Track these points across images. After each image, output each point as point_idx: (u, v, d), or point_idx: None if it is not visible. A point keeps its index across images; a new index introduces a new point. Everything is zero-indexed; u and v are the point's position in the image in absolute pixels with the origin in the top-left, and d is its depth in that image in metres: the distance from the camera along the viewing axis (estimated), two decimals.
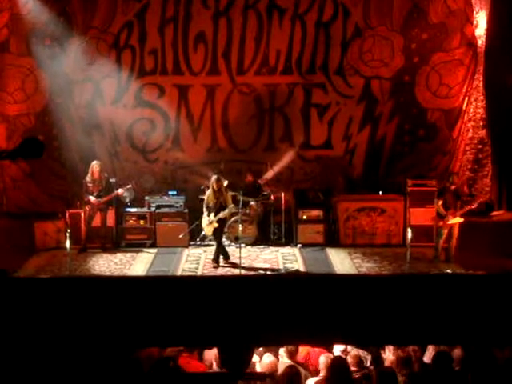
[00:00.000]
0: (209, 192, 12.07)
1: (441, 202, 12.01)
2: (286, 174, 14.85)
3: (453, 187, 12.09)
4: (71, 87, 14.42)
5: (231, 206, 12.04)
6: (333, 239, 13.36)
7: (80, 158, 14.38)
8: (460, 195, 12.29)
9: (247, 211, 13.20)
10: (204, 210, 12.13)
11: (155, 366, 4.50)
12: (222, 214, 11.96)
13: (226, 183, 13.64)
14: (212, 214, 11.92)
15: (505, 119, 14.18)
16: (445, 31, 14.27)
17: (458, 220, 12.00)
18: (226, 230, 13.23)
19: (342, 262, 12.24)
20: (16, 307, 3.93)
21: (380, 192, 13.65)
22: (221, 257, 12.15)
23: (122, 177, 14.08)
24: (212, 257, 12.20)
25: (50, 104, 14.51)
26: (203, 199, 12.43)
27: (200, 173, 14.42)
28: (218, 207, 11.95)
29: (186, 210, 13.38)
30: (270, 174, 14.37)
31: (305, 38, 14.51)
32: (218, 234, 12.10)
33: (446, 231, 12.04)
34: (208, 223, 11.98)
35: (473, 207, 12.16)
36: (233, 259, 12.28)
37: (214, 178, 12.04)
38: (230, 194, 12.43)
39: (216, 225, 11.96)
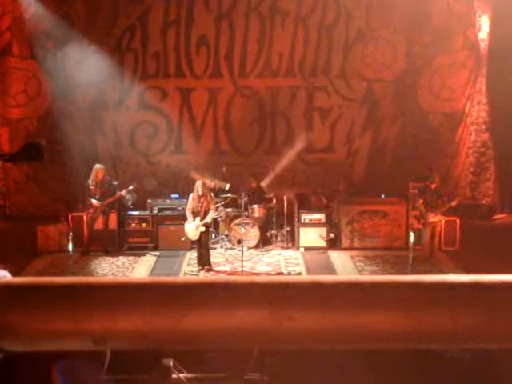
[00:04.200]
0: (193, 197, 12.00)
1: (421, 201, 12.10)
2: (288, 176, 14.84)
3: (433, 186, 12.14)
4: (74, 90, 14.43)
5: (211, 211, 12.00)
6: (335, 242, 13.34)
7: (82, 161, 14.39)
8: (440, 194, 12.31)
9: (250, 214, 13.19)
10: (188, 215, 12.05)
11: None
12: (208, 219, 11.95)
13: (227, 186, 13.65)
14: (198, 219, 11.88)
15: (507, 122, 14.17)
16: (447, 34, 14.27)
17: (439, 218, 12.07)
18: (228, 232, 13.22)
19: (344, 265, 12.22)
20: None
21: (382, 195, 13.63)
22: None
23: (124, 180, 14.08)
24: (204, 262, 12.05)
25: (53, 107, 14.53)
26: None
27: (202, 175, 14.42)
28: (203, 212, 11.91)
29: None
30: (271, 177, 14.38)
31: (307, 41, 14.51)
32: (204, 237, 12.03)
33: (429, 230, 12.08)
34: (195, 228, 11.92)
35: (453, 204, 12.23)
36: (235, 262, 12.27)
37: (198, 182, 11.98)
38: (214, 199, 12.39)
39: (203, 229, 11.93)
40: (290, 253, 13.04)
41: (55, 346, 2.58)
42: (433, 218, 12.01)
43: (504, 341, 2.61)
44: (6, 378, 2.60)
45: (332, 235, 13.35)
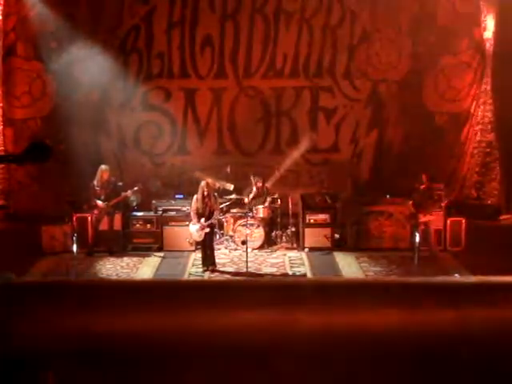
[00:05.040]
0: (197, 197, 11.97)
1: (411, 202, 12.16)
2: (293, 177, 14.82)
3: (422, 187, 12.18)
4: (78, 91, 14.43)
5: (216, 212, 11.98)
6: (340, 243, 13.31)
7: (87, 162, 14.38)
8: (430, 194, 12.33)
9: (254, 215, 13.17)
10: (192, 215, 12.04)
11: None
12: (213, 220, 11.94)
13: (231, 187, 13.63)
14: (202, 219, 11.86)
15: None
16: (452, 34, 14.23)
17: (429, 218, 12.12)
18: (233, 233, 13.20)
19: (349, 266, 12.18)
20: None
21: (387, 196, 13.60)
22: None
23: (128, 180, 14.07)
24: (209, 262, 12.03)
25: (57, 108, 14.53)
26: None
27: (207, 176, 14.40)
28: (208, 213, 11.90)
29: None
30: (276, 177, 14.35)
31: (312, 42, 14.50)
32: (209, 238, 12.01)
33: (420, 230, 12.08)
34: (199, 229, 11.91)
35: (443, 204, 12.29)
36: (239, 263, 12.25)
37: (203, 183, 11.95)
38: (218, 199, 12.38)
39: (207, 230, 11.92)
40: (294, 253, 13.02)
41: (59, 347, 2.57)
42: (423, 218, 12.06)
43: (511, 342, 2.59)
44: (8, 378, 2.59)
45: (337, 236, 13.33)
